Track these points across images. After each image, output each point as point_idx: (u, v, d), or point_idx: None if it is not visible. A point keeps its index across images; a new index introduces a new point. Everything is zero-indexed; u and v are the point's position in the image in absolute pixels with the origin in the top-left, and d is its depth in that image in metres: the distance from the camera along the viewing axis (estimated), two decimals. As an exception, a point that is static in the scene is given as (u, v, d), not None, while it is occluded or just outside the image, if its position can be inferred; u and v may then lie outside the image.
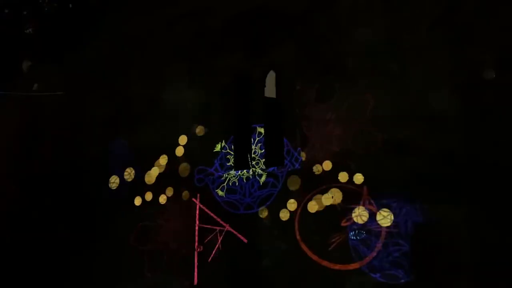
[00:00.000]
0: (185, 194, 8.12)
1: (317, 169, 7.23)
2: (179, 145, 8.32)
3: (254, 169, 7.83)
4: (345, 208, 7.00)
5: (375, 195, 6.85)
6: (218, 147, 8.12)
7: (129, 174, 8.59)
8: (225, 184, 7.98)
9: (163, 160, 8.39)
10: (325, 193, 7.13)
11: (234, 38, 8.20)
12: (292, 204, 7.35)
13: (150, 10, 9.01)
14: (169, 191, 8.21)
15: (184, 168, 8.24)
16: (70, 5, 9.34)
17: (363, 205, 6.89)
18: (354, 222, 6.93)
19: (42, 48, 9.60)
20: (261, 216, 7.54)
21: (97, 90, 9.19)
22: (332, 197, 7.11)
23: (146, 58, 8.93)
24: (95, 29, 9.34)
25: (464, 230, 6.26)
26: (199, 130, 8.28)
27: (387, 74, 7.03)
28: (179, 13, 8.72)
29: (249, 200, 7.70)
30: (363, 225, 6.86)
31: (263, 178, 7.68)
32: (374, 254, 6.74)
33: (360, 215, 6.89)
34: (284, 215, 7.39)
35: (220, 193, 7.96)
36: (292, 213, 7.33)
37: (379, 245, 6.73)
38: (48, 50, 9.54)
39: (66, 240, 8.53)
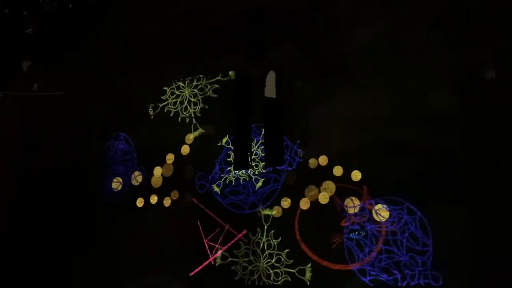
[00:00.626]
0: (188, 196, 8.15)
1: (313, 164, 7.27)
2: (178, 146, 8.37)
3: (252, 170, 7.85)
4: (344, 208, 7.02)
5: (375, 195, 6.87)
6: (223, 141, 8.16)
7: (136, 178, 8.62)
8: (221, 181, 8.02)
9: (169, 160, 8.42)
10: (323, 191, 7.19)
11: (234, 38, 8.20)
12: (290, 203, 7.40)
13: (150, 10, 9.02)
14: (173, 194, 8.26)
15: (188, 171, 8.27)
16: (70, 5, 9.33)
17: (363, 204, 6.91)
18: (353, 222, 6.94)
19: (42, 48, 9.59)
20: (259, 215, 7.57)
21: (97, 90, 9.19)
22: (325, 188, 7.14)
23: (146, 58, 8.93)
24: (95, 29, 9.34)
25: (464, 230, 6.27)
26: (201, 130, 8.30)
27: (387, 74, 7.03)
28: (179, 13, 8.72)
29: (253, 199, 7.72)
30: (362, 227, 6.88)
31: (260, 184, 7.71)
32: (370, 258, 6.77)
33: (352, 201, 6.96)
34: (285, 213, 7.44)
35: (216, 189, 8.01)
36: (292, 212, 7.36)
37: (375, 251, 6.76)
38: (48, 50, 9.54)
39: (66, 240, 8.53)
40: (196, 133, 8.31)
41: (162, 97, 8.68)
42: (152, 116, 8.70)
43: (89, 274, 8.47)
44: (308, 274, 7.05)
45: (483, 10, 6.64)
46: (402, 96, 6.87)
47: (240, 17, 8.15)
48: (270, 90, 7.98)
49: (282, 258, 7.28)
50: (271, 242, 7.42)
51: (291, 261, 7.20)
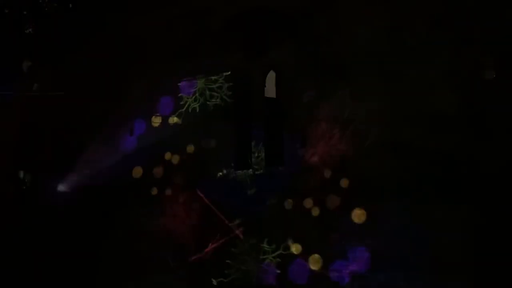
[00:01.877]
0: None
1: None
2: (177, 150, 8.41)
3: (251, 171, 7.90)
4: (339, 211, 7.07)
5: (373, 195, 6.88)
6: None
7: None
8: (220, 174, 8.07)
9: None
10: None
11: (234, 38, 8.20)
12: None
13: (150, 10, 9.00)
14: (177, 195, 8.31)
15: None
16: (70, 5, 9.32)
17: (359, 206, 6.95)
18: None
19: (42, 48, 9.58)
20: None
21: (97, 90, 9.18)
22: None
23: (146, 58, 8.93)
24: (95, 29, 9.33)
25: (464, 230, 6.27)
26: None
27: (387, 74, 7.03)
28: (179, 13, 8.71)
29: (258, 195, 7.76)
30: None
31: (252, 191, 7.74)
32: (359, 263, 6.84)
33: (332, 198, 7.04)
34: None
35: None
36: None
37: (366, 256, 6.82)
38: (48, 50, 9.52)
39: (66, 240, 8.53)
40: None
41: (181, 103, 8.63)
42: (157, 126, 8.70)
43: (89, 274, 8.47)
44: (293, 245, 7.14)
45: (483, 10, 6.63)
46: (402, 96, 6.87)
47: (240, 17, 8.15)
48: (270, 90, 7.99)
49: (266, 248, 7.37)
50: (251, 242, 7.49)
51: (274, 245, 7.30)
